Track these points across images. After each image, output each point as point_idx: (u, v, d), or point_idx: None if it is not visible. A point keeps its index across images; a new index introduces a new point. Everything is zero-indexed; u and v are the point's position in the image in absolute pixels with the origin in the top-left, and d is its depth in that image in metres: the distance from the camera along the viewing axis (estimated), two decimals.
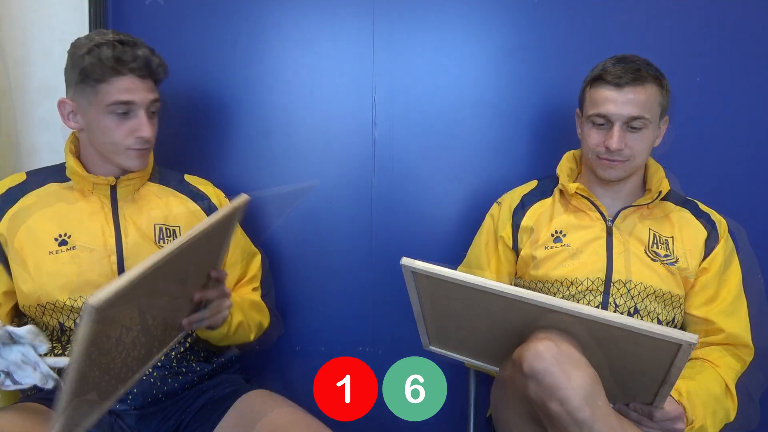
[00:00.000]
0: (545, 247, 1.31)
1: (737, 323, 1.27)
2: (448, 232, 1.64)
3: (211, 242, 1.07)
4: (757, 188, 1.59)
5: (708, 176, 1.58)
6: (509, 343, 1.02)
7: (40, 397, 1.16)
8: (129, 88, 1.18)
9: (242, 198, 1.05)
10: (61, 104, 1.23)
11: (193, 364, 1.26)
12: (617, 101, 1.22)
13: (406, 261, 0.97)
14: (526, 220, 1.35)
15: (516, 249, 1.36)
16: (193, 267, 1.06)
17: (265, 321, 1.40)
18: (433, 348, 1.13)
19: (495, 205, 1.42)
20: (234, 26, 1.62)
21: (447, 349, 1.14)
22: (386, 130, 1.62)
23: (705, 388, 1.19)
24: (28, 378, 1.01)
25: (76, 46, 1.20)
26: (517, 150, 1.61)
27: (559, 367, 0.92)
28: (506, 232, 1.36)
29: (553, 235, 1.32)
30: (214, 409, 1.22)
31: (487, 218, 1.43)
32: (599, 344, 0.97)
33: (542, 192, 1.39)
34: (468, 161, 1.62)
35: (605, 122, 1.24)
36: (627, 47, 1.57)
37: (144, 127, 1.20)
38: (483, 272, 1.37)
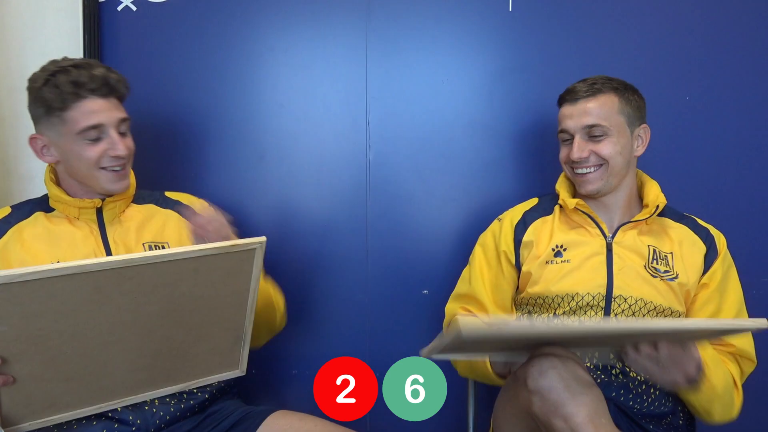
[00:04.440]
0: (546, 262, 1.31)
1: (743, 338, 1.27)
2: (443, 254, 1.64)
3: (217, 284, 1.03)
4: (744, 197, 1.62)
5: (698, 186, 1.60)
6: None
7: None
8: (94, 110, 1.17)
9: (256, 239, 1.00)
10: (32, 141, 1.22)
11: (195, 391, 1.23)
12: (573, 114, 1.30)
13: (466, 328, 0.80)
14: (528, 236, 1.35)
15: (518, 265, 1.36)
16: (193, 309, 1.03)
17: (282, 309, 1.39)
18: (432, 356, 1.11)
19: (496, 222, 1.42)
20: (228, 51, 1.63)
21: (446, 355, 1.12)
22: (380, 153, 1.63)
23: (721, 367, 1.20)
24: None
25: (32, 80, 1.19)
26: (511, 170, 1.63)
27: (564, 384, 0.92)
28: (508, 247, 1.36)
29: (553, 249, 1.32)
30: None
31: (488, 234, 1.42)
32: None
33: (543, 209, 1.40)
34: (462, 182, 1.63)
35: (569, 137, 1.32)
36: (619, 66, 1.60)
37: (117, 145, 1.19)
38: (483, 290, 1.36)
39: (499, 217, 1.43)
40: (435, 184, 1.63)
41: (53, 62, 1.20)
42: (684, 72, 1.59)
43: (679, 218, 1.36)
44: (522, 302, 1.35)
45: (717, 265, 1.29)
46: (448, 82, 1.62)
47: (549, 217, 1.38)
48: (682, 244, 1.31)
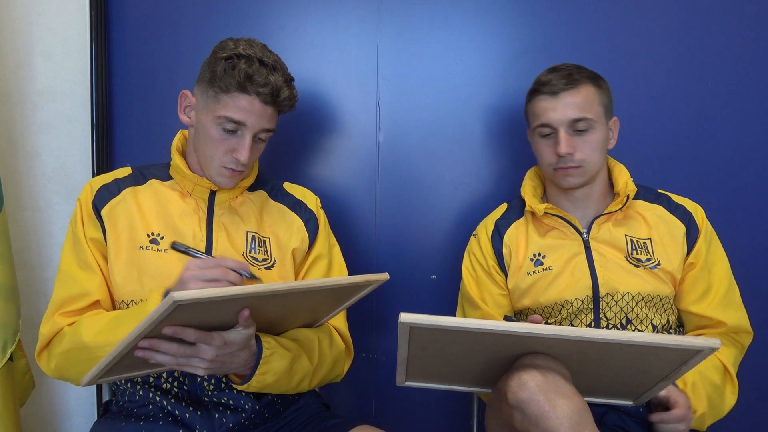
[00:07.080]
0: (528, 273, 1.30)
1: (736, 313, 1.26)
2: (453, 238, 1.62)
3: (323, 299, 1.11)
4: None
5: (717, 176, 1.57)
6: (503, 368, 1.00)
7: None
8: (246, 108, 1.14)
9: (382, 276, 1.06)
10: (182, 96, 1.22)
11: (271, 397, 1.21)
12: (556, 108, 1.24)
13: (406, 318, 0.87)
14: (506, 245, 1.34)
15: (506, 274, 1.34)
16: (293, 311, 1.10)
17: (341, 364, 1.27)
18: (408, 383, 1.10)
19: (472, 239, 1.40)
20: (237, 30, 1.60)
21: (427, 381, 1.10)
22: (391, 135, 1.61)
23: (707, 378, 1.19)
24: None
25: (221, 46, 1.18)
26: (523, 154, 1.59)
27: (544, 396, 0.89)
28: (493, 260, 1.34)
29: (532, 259, 1.31)
30: None
31: (470, 257, 1.39)
32: (606, 359, 0.95)
33: (514, 213, 1.38)
34: (473, 166, 1.61)
35: (551, 131, 1.26)
36: (634, 48, 1.57)
37: (243, 150, 1.16)
38: (481, 308, 1.33)
39: (474, 233, 1.41)
40: (446, 167, 1.61)
41: (250, 43, 1.17)
42: (706, 51, 1.56)
43: (654, 198, 1.34)
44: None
45: (701, 242, 1.28)
46: (461, 64, 1.59)
47: (522, 220, 1.36)
48: (660, 228, 1.29)
